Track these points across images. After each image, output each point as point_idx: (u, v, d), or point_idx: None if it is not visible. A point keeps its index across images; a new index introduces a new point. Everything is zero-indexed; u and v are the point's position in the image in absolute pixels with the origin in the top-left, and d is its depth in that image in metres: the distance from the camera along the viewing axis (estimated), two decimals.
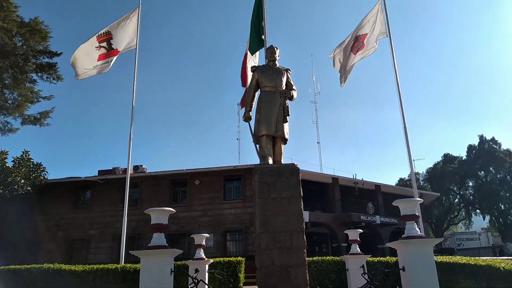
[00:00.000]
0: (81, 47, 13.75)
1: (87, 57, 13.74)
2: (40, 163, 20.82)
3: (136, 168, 23.94)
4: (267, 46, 8.69)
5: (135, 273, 8.63)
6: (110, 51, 13.99)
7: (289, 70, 7.32)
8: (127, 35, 14.24)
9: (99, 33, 13.90)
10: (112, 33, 13.95)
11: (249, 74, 10.60)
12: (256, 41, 10.36)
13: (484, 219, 48.57)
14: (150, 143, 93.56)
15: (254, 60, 11.92)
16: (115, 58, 14.17)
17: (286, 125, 6.84)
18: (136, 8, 14.62)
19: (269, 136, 6.76)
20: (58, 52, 19.30)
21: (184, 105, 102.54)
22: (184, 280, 8.52)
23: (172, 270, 5.09)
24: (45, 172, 21.03)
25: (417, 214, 5.17)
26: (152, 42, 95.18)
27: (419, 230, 5.08)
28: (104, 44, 13.90)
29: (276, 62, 7.29)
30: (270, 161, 6.68)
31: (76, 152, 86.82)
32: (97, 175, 24.43)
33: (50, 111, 20.35)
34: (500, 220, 45.76)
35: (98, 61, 13.87)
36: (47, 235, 22.84)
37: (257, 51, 10.97)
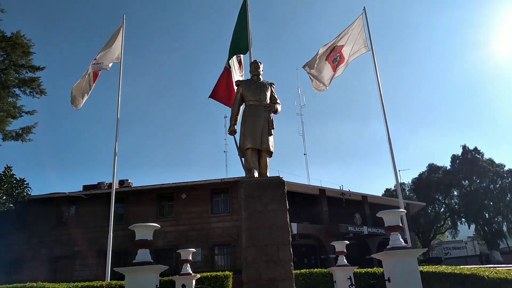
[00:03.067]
0: (78, 83, 14.00)
1: (85, 87, 14.02)
2: (23, 179, 20.44)
3: (121, 182, 23.67)
4: (252, 60, 8.78)
5: None
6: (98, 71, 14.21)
7: (273, 84, 7.42)
8: (112, 51, 14.26)
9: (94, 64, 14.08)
10: (102, 60, 14.13)
11: (233, 87, 10.59)
12: (238, 48, 10.51)
13: (469, 227, 49.09)
14: (136, 158, 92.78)
15: (240, 73, 11.75)
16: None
17: (271, 138, 6.90)
18: (120, 25, 14.66)
19: (255, 149, 6.81)
20: (41, 67, 19.13)
21: (170, 118, 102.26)
22: None
23: (158, 286, 5.03)
24: (29, 188, 20.59)
25: (400, 225, 5.22)
26: (136, 56, 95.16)
27: (403, 241, 5.13)
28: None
29: (260, 76, 7.38)
30: (256, 174, 6.71)
31: (60, 167, 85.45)
32: (81, 190, 24.10)
33: (33, 126, 20.01)
34: (485, 228, 46.31)
35: (94, 82, 14.17)
36: (30, 253, 22.36)
37: (237, 54, 10.87)
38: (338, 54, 13.39)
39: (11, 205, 19.13)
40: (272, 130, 6.91)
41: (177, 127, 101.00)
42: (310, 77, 13.39)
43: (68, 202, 23.71)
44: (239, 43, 10.63)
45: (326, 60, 13.39)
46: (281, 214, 6.29)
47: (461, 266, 9.32)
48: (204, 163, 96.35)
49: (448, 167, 49.07)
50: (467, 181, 47.60)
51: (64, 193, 23.32)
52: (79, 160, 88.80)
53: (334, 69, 13.35)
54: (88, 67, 14.13)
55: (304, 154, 35.00)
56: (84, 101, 14.22)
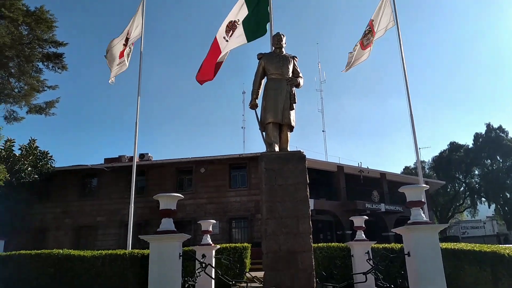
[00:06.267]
0: (113, 43, 13.75)
1: (116, 55, 13.77)
2: (47, 151, 21.03)
3: (142, 156, 24.09)
4: (273, 33, 8.65)
5: (143, 259, 8.75)
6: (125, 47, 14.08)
7: (296, 57, 7.30)
8: (135, 27, 14.22)
9: (127, 31, 13.89)
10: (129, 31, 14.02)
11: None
12: (256, 28, 10.32)
13: (489, 207, 48.45)
14: (156, 132, 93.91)
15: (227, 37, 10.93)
16: (130, 53, 14.20)
17: (292, 113, 6.85)
18: (141, 1, 14.56)
19: (276, 124, 6.79)
20: (64, 42, 19.32)
21: (189, 93, 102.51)
22: (190, 265, 8.63)
23: (181, 254, 5.17)
24: (52, 160, 21.26)
25: (423, 200, 5.20)
26: (157, 30, 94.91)
27: (424, 216, 5.12)
28: (124, 41, 14.00)
29: (283, 49, 7.28)
30: (277, 148, 6.72)
31: (82, 140, 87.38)
32: (103, 163, 24.64)
33: (56, 101, 20.45)
34: (506, 208, 45.62)
35: (119, 58, 13.89)
36: (55, 222, 23.16)
37: (257, 37, 10.68)
38: (367, 28, 13.23)
39: (36, 176, 19.77)
40: (294, 104, 6.84)
41: (197, 102, 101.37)
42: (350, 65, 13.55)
43: (91, 174, 24.32)
44: (258, 21, 10.42)
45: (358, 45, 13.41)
46: (301, 188, 6.35)
47: (480, 244, 9.27)
48: (223, 138, 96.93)
49: (471, 145, 48.12)
50: (489, 160, 46.69)
51: (87, 165, 23.89)
52: (101, 133, 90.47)
53: (363, 47, 13.26)
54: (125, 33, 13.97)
55: (323, 131, 34.64)
56: (115, 73, 14.02)
